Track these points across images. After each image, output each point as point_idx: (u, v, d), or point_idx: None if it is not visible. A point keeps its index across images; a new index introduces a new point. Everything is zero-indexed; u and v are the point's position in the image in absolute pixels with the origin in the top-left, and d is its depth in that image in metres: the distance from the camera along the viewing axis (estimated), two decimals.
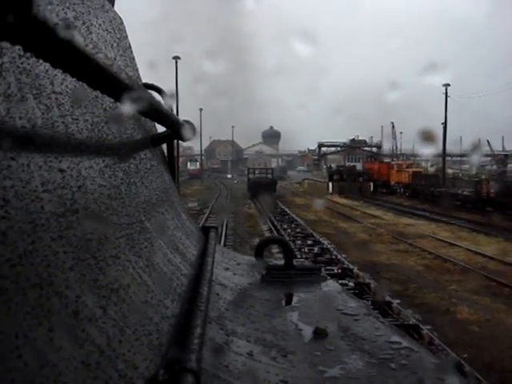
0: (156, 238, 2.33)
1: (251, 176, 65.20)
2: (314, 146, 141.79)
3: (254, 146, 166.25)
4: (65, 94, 1.70)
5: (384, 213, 40.92)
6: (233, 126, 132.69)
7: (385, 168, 69.85)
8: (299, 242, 25.29)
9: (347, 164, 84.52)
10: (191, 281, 2.40)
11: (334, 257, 21.29)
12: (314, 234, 27.53)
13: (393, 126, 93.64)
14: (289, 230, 29.50)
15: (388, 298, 14.87)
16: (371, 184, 67.57)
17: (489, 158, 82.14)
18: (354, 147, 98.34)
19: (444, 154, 62.71)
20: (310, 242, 25.08)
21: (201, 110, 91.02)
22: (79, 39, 0.99)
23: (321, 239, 25.87)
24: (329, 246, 23.72)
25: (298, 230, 29.63)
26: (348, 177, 68.80)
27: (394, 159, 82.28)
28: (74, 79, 1.30)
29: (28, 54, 0.95)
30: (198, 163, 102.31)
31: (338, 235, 28.11)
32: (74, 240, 1.39)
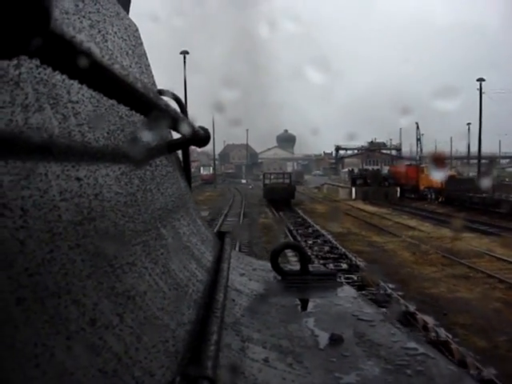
0: (172, 244, 2.35)
1: (267, 181, 59.82)
2: (329, 150, 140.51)
3: (268, 150, 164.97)
4: (81, 102, 1.72)
5: (420, 223, 35.69)
6: (247, 130, 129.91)
7: (413, 171, 63.19)
8: (331, 266, 18.08)
9: (366, 167, 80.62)
10: (207, 287, 2.40)
11: (382, 291, 16.32)
12: (347, 252, 22.84)
13: (417, 127, 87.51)
14: (316, 248, 24.56)
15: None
16: (398, 189, 62.47)
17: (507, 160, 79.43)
18: (372, 150, 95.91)
19: (479, 155, 59.14)
20: (345, 266, 18.12)
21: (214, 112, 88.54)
22: (96, 51, 1.00)
23: (357, 261, 21.02)
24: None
25: (326, 249, 24.34)
26: (372, 181, 64.17)
27: (418, 161, 75.16)
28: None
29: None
30: (211, 168, 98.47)
31: (375, 254, 23.44)
32: (91, 248, 1.41)
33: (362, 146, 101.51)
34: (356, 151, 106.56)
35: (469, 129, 78.91)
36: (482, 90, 58.49)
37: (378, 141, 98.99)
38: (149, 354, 1.46)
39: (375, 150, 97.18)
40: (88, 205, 1.49)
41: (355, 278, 17.50)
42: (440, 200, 52.76)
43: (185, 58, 51.32)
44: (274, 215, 42.22)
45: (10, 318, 0.98)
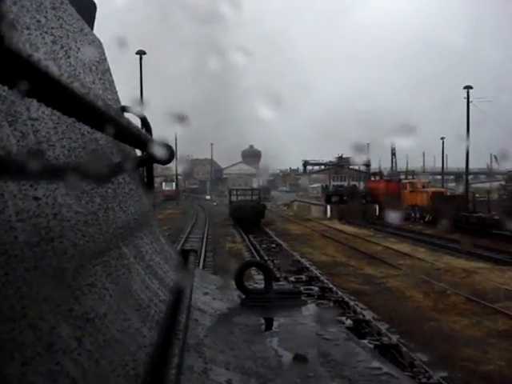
0: (134, 263, 2.31)
1: (233, 198, 53.57)
2: (295, 166, 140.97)
3: (234, 165, 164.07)
4: (41, 119, 1.68)
5: (414, 248, 31.21)
6: (212, 144, 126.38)
7: (394, 187, 58.39)
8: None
9: (335, 183, 76.84)
10: (169, 307, 2.37)
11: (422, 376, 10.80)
12: (344, 296, 17.84)
13: (393, 150, 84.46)
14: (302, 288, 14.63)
15: None
16: (376, 207, 55.99)
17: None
18: (341, 165, 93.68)
19: (467, 171, 53.13)
20: (349, 323, 13.96)
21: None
22: (54, 69, 0.97)
23: (363, 312, 15.70)
24: (381, 327, 14.02)
25: (315, 289, 18.52)
26: (349, 198, 58.48)
27: (393, 177, 70.59)
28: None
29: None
30: (173, 184, 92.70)
31: (377, 296, 18.44)
32: (48, 270, 1.37)
33: (330, 162, 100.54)
34: (323, 167, 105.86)
35: (443, 143, 77.66)
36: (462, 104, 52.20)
37: (345, 156, 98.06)
38: (107, 378, 1.42)
39: (344, 165, 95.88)
40: (46, 225, 1.45)
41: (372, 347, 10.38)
42: (426, 219, 47.76)
43: (141, 58, 43.82)
44: (243, 239, 36.64)
45: None
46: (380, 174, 73.46)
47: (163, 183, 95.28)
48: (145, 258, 2.58)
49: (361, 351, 2.57)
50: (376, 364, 2.40)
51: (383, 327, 14.19)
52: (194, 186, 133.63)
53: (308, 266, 24.63)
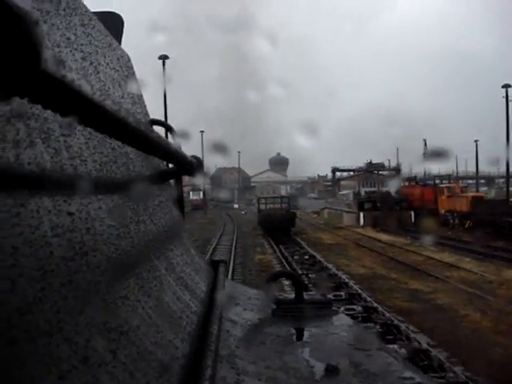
0: (165, 275, 2.33)
1: (262, 207, 51.66)
2: (323, 172, 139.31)
3: (261, 173, 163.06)
4: (73, 136, 1.71)
5: (458, 258, 28.43)
6: (239, 152, 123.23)
7: (430, 193, 55.10)
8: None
9: (368, 189, 72.76)
10: (201, 318, 2.38)
11: None
12: (389, 315, 15.73)
13: (425, 144, 79.39)
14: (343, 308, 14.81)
15: None
16: (412, 213, 53.00)
17: None
18: (370, 171, 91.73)
19: (508, 174, 51.27)
20: (403, 352, 11.44)
21: (202, 132, 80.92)
22: (86, 89, 1.00)
23: (411, 332, 14.01)
24: (441, 358, 11.90)
25: (358, 309, 16.43)
26: (382, 205, 54.90)
27: (428, 182, 65.71)
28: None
29: None
30: (201, 193, 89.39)
31: (427, 315, 15.88)
32: (83, 284, 1.39)
33: (360, 167, 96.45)
34: (352, 173, 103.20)
35: (476, 146, 75.08)
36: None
37: (375, 162, 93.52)
38: None
39: (374, 171, 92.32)
40: (80, 239, 1.47)
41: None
42: (466, 226, 44.61)
43: (164, 63, 43.60)
44: (273, 249, 34.81)
45: (1, 360, 0.96)
46: (415, 178, 68.86)
47: (191, 192, 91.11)
48: (176, 270, 2.60)
49: (393, 361, 2.55)
50: (408, 374, 2.37)
51: (442, 356, 12.21)
52: (223, 195, 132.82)
53: (346, 280, 22.54)
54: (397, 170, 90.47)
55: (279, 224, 43.90)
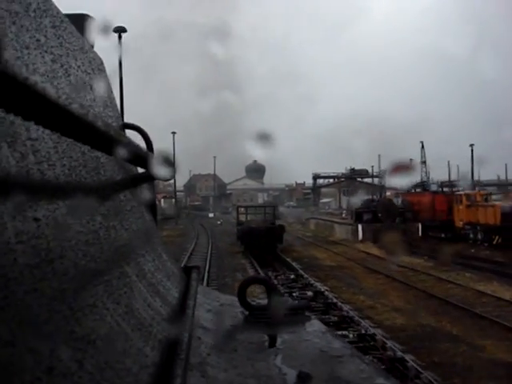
0: (136, 282, 2.29)
1: (242, 218, 42.83)
2: (301, 180, 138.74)
3: (237, 180, 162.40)
4: (41, 140, 1.68)
5: None
6: (214, 157, 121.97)
7: (442, 201, 46.67)
8: None
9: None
10: (172, 325, 2.35)
11: None
12: None
13: (422, 146, 70.03)
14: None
15: None
16: (419, 226, 45.14)
17: None
18: (353, 178, 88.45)
19: None
20: None
21: (173, 133, 74.69)
22: (51, 92, 0.97)
23: None
24: None
25: None
26: (385, 216, 46.00)
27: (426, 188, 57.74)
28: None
29: None
30: (172, 200, 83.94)
31: None
32: (48, 291, 1.35)
33: (343, 174, 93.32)
34: (333, 180, 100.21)
35: (472, 150, 70.97)
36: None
37: (358, 168, 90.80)
38: None
39: (359, 177, 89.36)
40: (46, 246, 1.44)
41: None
42: (495, 242, 36.94)
43: (120, 36, 33.16)
44: (256, 270, 28.41)
45: None
46: (423, 184, 58.92)
47: (162, 200, 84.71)
48: (147, 276, 2.57)
49: (365, 367, 2.54)
50: (380, 380, 2.37)
51: None
52: (197, 203, 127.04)
53: (388, 343, 14.79)
54: (382, 176, 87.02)
55: (264, 240, 35.75)
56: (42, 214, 1.48)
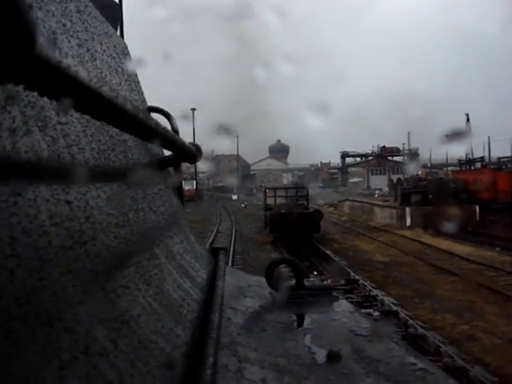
0: (165, 263, 2.32)
1: (270, 202, 36.32)
2: (326, 160, 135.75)
3: (261, 161, 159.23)
4: (71, 123, 1.69)
5: None
6: (237, 136, 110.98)
7: (507, 180, 37.92)
8: None
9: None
10: (202, 306, 2.37)
11: None
12: None
13: (467, 119, 62.56)
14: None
15: None
16: (476, 209, 38.23)
17: None
18: (384, 156, 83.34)
19: None
20: None
21: (193, 109, 66.70)
22: (83, 75, 0.98)
23: None
24: None
25: None
26: (437, 197, 38.71)
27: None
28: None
29: None
30: (193, 182, 74.54)
31: None
32: (82, 273, 1.38)
33: (374, 152, 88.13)
34: (360, 159, 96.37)
35: None
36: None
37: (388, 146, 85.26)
38: (144, 380, 1.43)
39: (390, 155, 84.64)
40: (79, 228, 1.46)
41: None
42: None
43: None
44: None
45: (0, 351, 0.95)
46: (482, 160, 50.15)
47: (183, 182, 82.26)
48: (176, 258, 2.59)
49: (395, 346, 2.55)
50: (411, 360, 2.37)
51: None
52: (220, 184, 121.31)
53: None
54: (414, 154, 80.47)
55: (298, 229, 30.13)
56: (74, 197, 1.50)
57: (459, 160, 56.50)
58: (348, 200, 60.49)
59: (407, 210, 39.53)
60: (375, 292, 18.29)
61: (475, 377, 10.41)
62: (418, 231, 34.73)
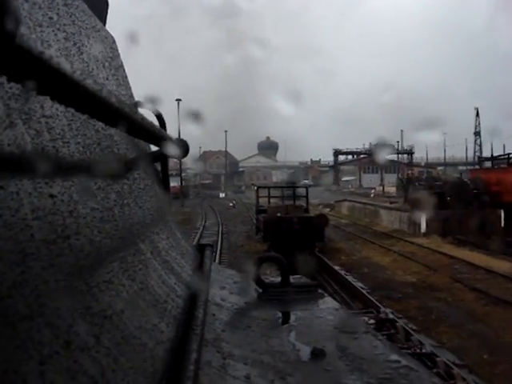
0: (151, 259, 2.31)
1: (264, 203, 31.33)
2: (316, 157, 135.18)
3: (250, 157, 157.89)
4: (55, 117, 1.68)
5: None
6: (226, 131, 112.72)
7: None
8: None
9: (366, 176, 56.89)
10: (187, 302, 2.37)
11: None
12: None
13: (477, 114, 59.54)
14: None
15: None
16: (501, 213, 32.24)
17: None
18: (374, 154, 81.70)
19: None
20: None
21: (178, 100, 63.42)
22: (65, 66, 0.97)
23: None
24: None
25: None
26: (456, 199, 33.75)
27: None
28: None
29: None
30: (179, 179, 69.67)
31: None
32: (65, 267, 1.37)
33: (368, 150, 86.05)
34: (353, 157, 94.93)
35: None
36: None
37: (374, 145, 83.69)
38: (126, 375, 1.42)
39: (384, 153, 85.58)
40: (62, 222, 1.45)
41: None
42: None
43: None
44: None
45: None
46: (509, 157, 41.65)
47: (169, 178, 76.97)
48: (161, 254, 2.58)
49: (379, 344, 2.56)
50: (394, 357, 2.38)
51: None
52: (207, 181, 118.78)
53: None
54: (410, 152, 78.98)
55: (298, 237, 24.09)
56: (58, 191, 1.49)
57: (479, 157, 50.17)
58: (346, 200, 56.26)
59: (422, 214, 32.73)
60: (427, 346, 12.17)
61: None
62: (435, 239, 30.34)
